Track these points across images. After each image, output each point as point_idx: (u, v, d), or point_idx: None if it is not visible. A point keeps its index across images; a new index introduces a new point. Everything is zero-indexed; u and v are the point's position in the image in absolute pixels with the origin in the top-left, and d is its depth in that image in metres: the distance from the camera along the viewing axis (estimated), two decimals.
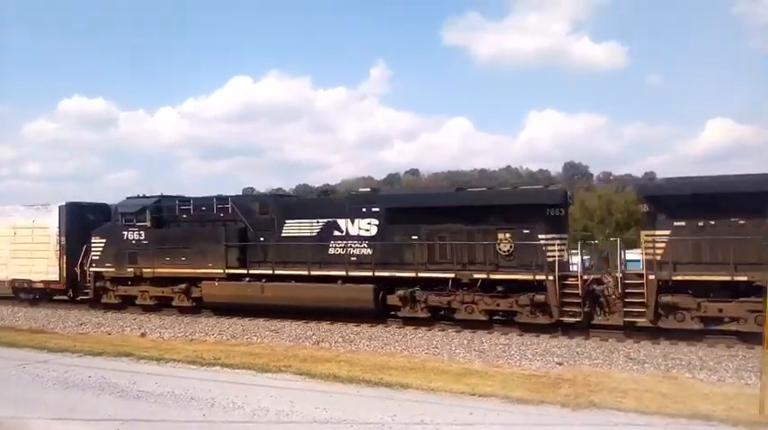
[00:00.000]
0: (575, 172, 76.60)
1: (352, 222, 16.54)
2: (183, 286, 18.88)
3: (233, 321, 17.78)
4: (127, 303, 20.31)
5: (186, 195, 20.58)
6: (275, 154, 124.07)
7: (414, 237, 15.74)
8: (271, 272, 17.26)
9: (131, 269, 19.60)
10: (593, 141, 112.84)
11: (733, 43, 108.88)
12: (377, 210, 16.29)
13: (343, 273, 16.25)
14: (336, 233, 16.73)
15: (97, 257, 20.31)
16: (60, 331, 17.94)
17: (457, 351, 13.52)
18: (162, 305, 19.59)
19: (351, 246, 16.48)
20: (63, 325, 18.77)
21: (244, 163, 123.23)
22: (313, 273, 16.66)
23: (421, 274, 15.48)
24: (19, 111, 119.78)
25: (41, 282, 21.78)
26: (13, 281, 22.54)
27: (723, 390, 10.02)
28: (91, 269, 20.44)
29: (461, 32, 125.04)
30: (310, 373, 11.09)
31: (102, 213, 22.28)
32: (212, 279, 18.13)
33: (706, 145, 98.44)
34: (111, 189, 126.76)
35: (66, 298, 22.30)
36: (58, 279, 21.41)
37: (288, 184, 75.94)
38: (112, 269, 20.05)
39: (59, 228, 21.48)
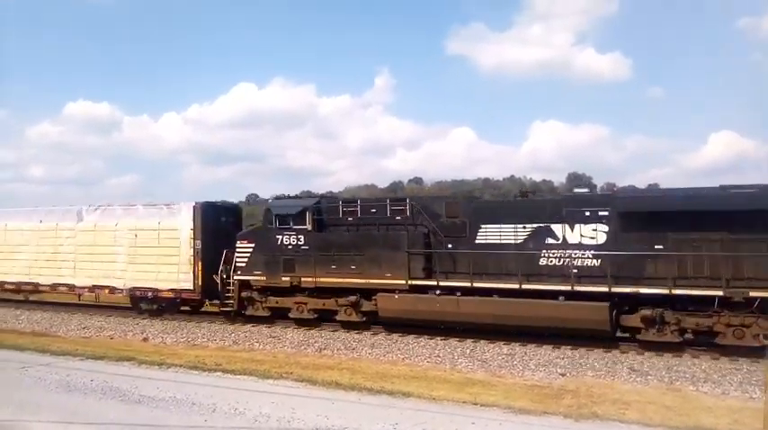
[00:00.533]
0: (578, 183, 76.60)
1: (572, 228, 14.27)
2: (351, 298, 16.59)
3: (235, 327, 17.79)
4: (276, 316, 18.03)
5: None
6: (278, 160, 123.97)
7: (658, 247, 13.47)
8: (469, 284, 14.90)
9: (287, 278, 17.17)
10: (596, 152, 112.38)
11: (737, 56, 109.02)
12: (605, 213, 14.03)
13: (568, 287, 13.91)
14: (550, 241, 14.48)
15: (243, 264, 17.93)
16: (63, 334, 17.98)
17: (459, 360, 13.51)
18: (322, 319, 17.41)
19: (571, 256, 14.21)
20: (66, 328, 18.82)
21: (247, 169, 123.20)
22: (525, 286, 14.37)
23: (676, 292, 13.08)
24: (23, 114, 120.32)
25: (170, 290, 19.18)
26: (133, 289, 19.86)
27: (727, 403, 9.98)
28: (235, 277, 18.13)
29: (465, 42, 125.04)
30: (312, 380, 11.07)
31: (232, 215, 20.73)
32: (390, 291, 15.89)
33: (709, 158, 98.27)
34: (112, 193, 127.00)
35: (188, 308, 20.06)
36: (191, 287, 18.85)
37: (291, 191, 75.53)
38: (263, 278, 17.62)
39: (193, 230, 18.95)
